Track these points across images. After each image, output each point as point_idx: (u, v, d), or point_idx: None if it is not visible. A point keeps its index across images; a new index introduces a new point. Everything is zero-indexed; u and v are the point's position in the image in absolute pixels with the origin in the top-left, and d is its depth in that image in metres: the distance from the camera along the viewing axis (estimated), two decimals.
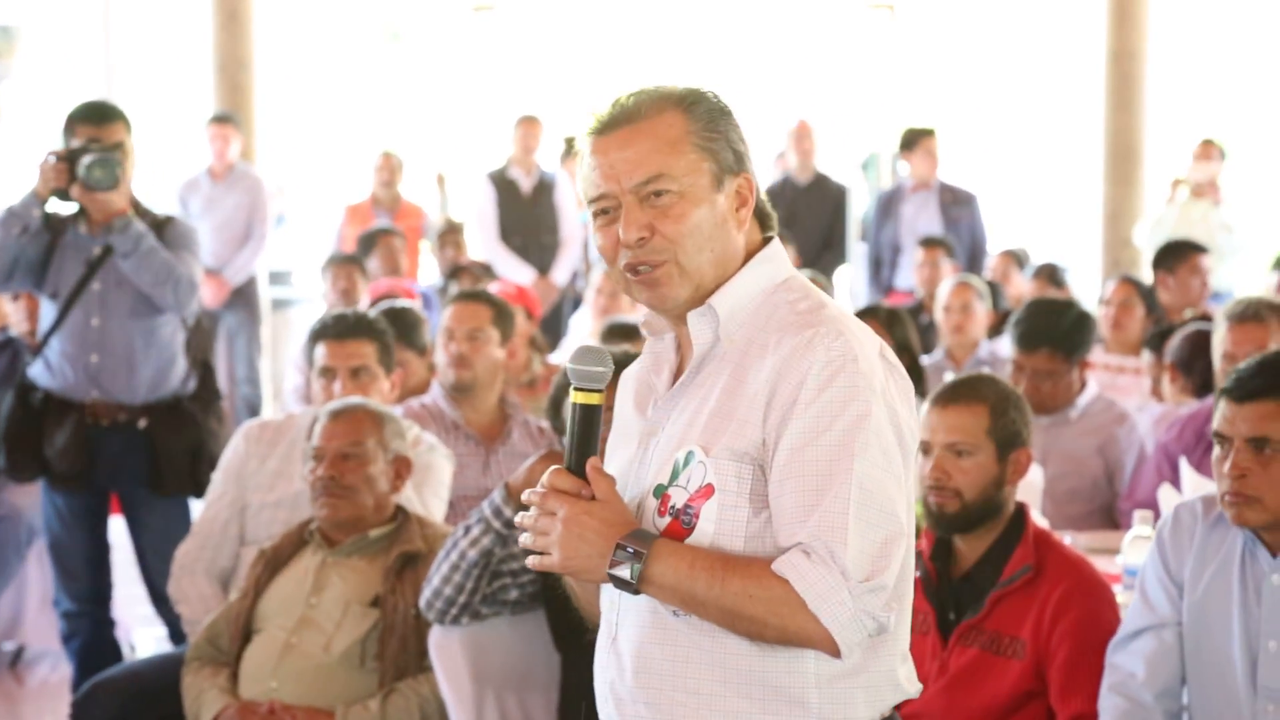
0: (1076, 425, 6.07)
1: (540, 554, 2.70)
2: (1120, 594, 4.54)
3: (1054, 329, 6.04)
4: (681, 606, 2.65)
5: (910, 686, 2.77)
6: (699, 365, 2.75)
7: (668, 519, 2.69)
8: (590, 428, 2.71)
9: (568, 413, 2.79)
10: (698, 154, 2.72)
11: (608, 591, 2.79)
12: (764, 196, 2.82)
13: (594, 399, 2.72)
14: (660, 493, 2.71)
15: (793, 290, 2.75)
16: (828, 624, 2.57)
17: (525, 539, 2.71)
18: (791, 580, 2.58)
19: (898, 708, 2.78)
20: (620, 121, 2.73)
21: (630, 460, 2.80)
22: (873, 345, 2.70)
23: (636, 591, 2.65)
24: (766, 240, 2.82)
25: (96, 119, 6.05)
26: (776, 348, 2.67)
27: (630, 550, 2.63)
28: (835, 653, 2.61)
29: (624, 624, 2.77)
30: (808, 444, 2.61)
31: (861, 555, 2.58)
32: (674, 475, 2.70)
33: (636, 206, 2.71)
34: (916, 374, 6.96)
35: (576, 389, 2.72)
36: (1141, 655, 3.95)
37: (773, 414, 2.64)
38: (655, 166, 2.70)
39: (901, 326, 6.96)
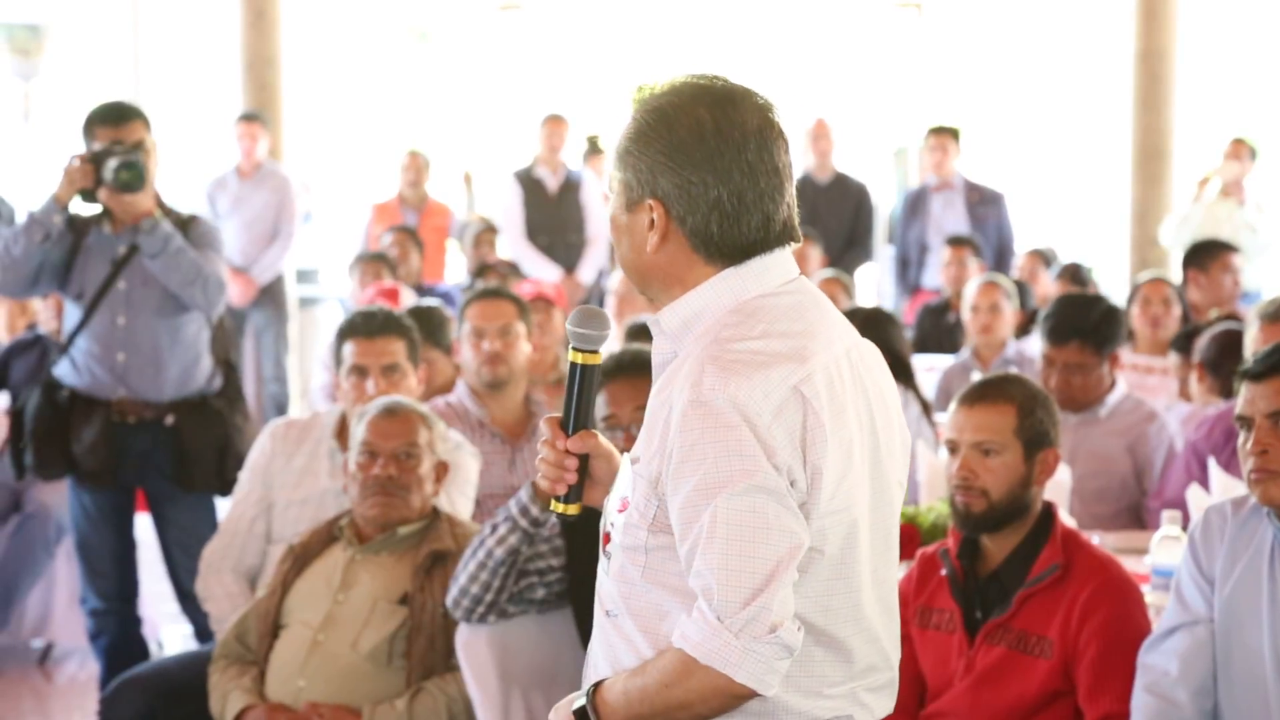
0: (1105, 424, 6.06)
1: (560, 498, 2.87)
2: (1149, 594, 4.53)
3: (1084, 322, 6.06)
4: None
5: (860, 711, 2.76)
6: (659, 372, 2.78)
7: (615, 518, 2.78)
8: (586, 387, 2.83)
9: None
10: (619, 168, 2.77)
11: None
12: (699, 229, 2.72)
13: (592, 359, 2.83)
14: (620, 496, 2.78)
15: (739, 314, 2.70)
16: (723, 670, 2.57)
17: (541, 482, 2.87)
18: (685, 649, 2.60)
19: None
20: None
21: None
22: (780, 381, 2.62)
23: None
24: (739, 263, 2.73)
25: (115, 120, 6.05)
26: (679, 375, 2.66)
27: (581, 711, 2.72)
28: (748, 694, 2.60)
29: (598, 622, 2.84)
30: (675, 489, 2.62)
31: (729, 594, 2.57)
32: (622, 487, 2.78)
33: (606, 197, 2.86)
34: (905, 374, 6.95)
35: (575, 349, 2.83)
36: (1175, 653, 3.94)
37: (661, 449, 2.65)
38: (611, 165, 2.81)
39: (882, 327, 6.96)
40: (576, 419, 2.84)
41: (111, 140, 5.98)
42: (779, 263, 2.76)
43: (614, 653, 2.76)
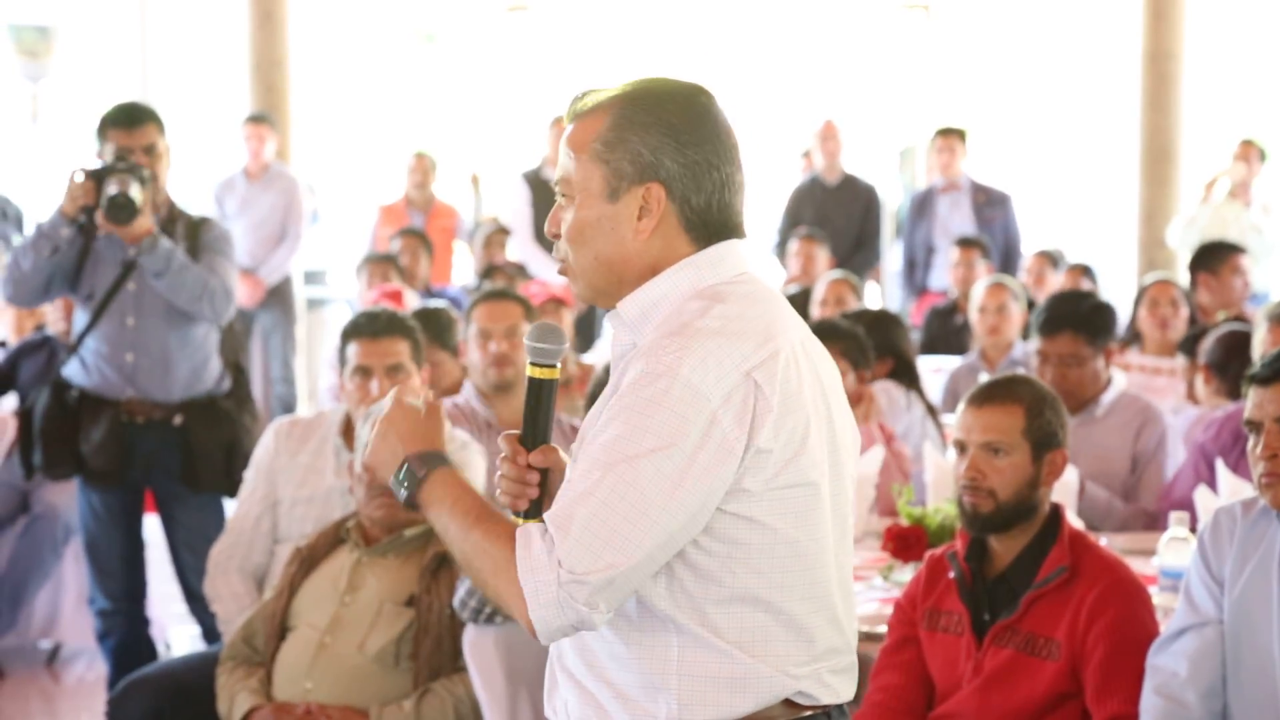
0: (1104, 422, 6.04)
1: (521, 514, 2.85)
2: (1156, 595, 4.52)
3: (1075, 312, 6.07)
4: (442, 540, 2.78)
5: (825, 692, 2.78)
6: (616, 365, 2.81)
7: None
8: (543, 402, 2.84)
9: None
10: (592, 163, 2.77)
11: None
12: (701, 207, 2.78)
13: (549, 374, 2.85)
14: None
15: (703, 298, 2.74)
16: (527, 597, 2.65)
17: (501, 498, 2.85)
18: (517, 546, 2.67)
19: (825, 711, 2.79)
20: (569, 117, 2.83)
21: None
22: (734, 364, 2.66)
23: (413, 507, 2.80)
24: (705, 248, 2.79)
25: (127, 123, 6.04)
26: (636, 357, 2.71)
27: (411, 469, 2.81)
28: (530, 626, 2.68)
29: None
30: (594, 436, 2.68)
31: (579, 550, 2.62)
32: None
33: (557, 204, 2.84)
34: (910, 376, 6.95)
35: (532, 364, 2.85)
36: (1184, 654, 3.94)
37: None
38: (562, 170, 2.81)
39: (887, 329, 6.96)
40: (536, 434, 2.84)
41: (119, 151, 5.97)
42: (735, 252, 2.82)
43: (583, 639, 2.79)
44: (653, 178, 2.76)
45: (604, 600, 2.64)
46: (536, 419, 2.84)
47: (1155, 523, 5.84)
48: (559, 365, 2.85)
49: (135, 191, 5.83)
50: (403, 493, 2.81)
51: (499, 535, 2.71)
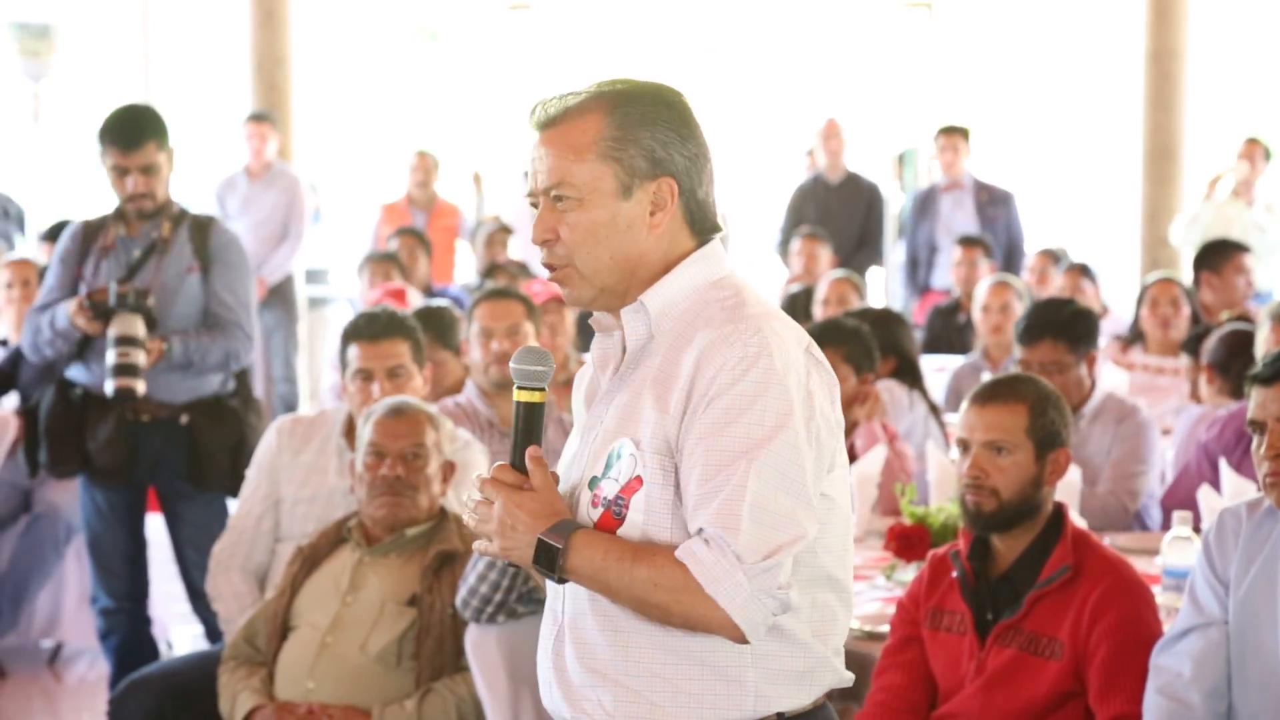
0: (1090, 428, 6.00)
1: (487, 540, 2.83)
2: (1160, 595, 4.51)
3: (1055, 319, 6.01)
4: (602, 595, 2.76)
5: (844, 678, 2.87)
6: (634, 361, 2.84)
7: (600, 510, 2.79)
8: (532, 425, 2.84)
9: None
10: (601, 162, 2.79)
11: (551, 584, 2.87)
12: (702, 200, 2.85)
13: (536, 397, 2.85)
14: (594, 485, 2.81)
15: (724, 289, 2.82)
16: (725, 606, 2.66)
17: (468, 520, 2.85)
18: (690, 566, 2.67)
19: (829, 696, 2.87)
20: (544, 124, 2.84)
21: (574, 454, 2.90)
22: (795, 342, 2.78)
23: (559, 581, 2.77)
24: (705, 243, 2.87)
25: (125, 145, 5.99)
26: (698, 343, 2.74)
27: (549, 542, 2.75)
28: (736, 636, 2.69)
29: (568, 611, 2.85)
30: (714, 434, 2.69)
31: (755, 540, 2.66)
32: (607, 467, 2.79)
33: (547, 209, 2.83)
34: (913, 376, 6.93)
35: (519, 388, 2.84)
36: (1188, 654, 3.93)
37: (689, 406, 2.73)
38: (559, 173, 2.80)
39: (891, 328, 6.95)
40: (523, 460, 2.82)
41: (119, 165, 5.96)
42: (723, 247, 2.92)
43: (631, 639, 2.78)
44: (665, 172, 2.81)
45: (790, 579, 2.69)
46: (528, 441, 2.83)
47: (1126, 513, 5.84)
48: (546, 388, 2.85)
49: (139, 357, 5.88)
50: (552, 576, 2.76)
51: (663, 562, 2.70)
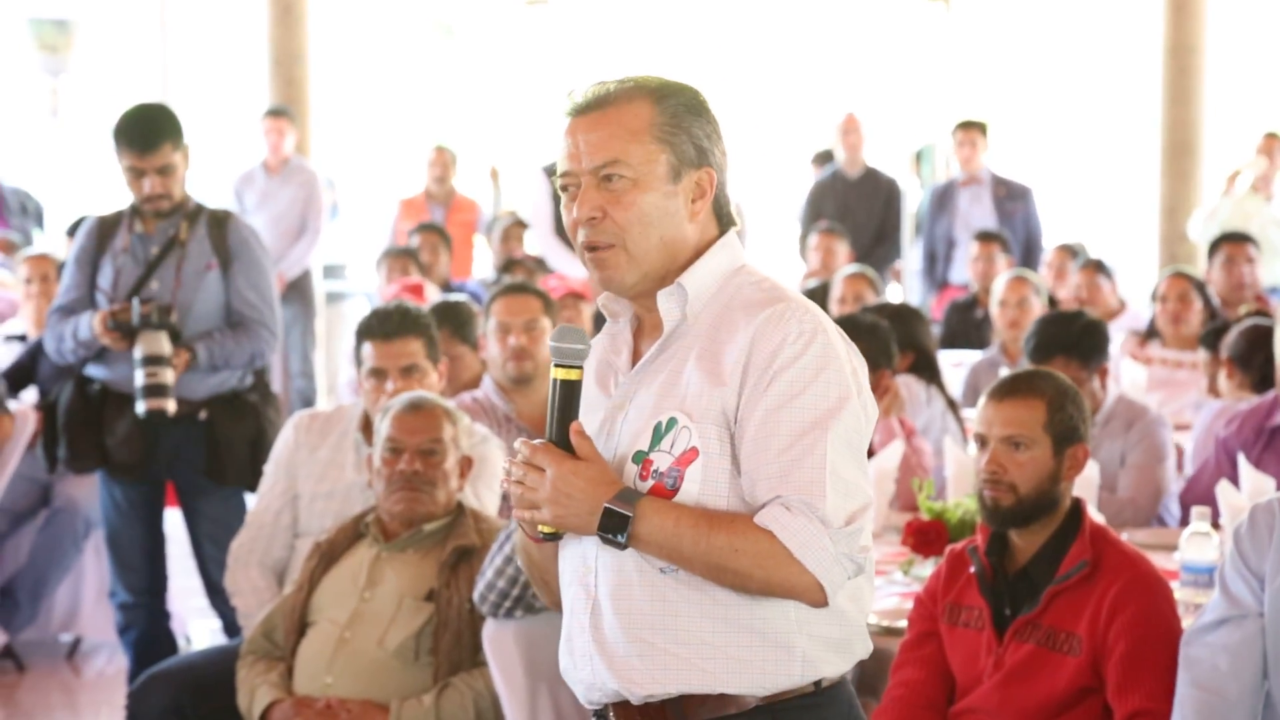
0: (1103, 433, 5.98)
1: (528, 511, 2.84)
2: (1178, 590, 4.51)
3: (1065, 337, 5.93)
4: (668, 561, 2.79)
5: (869, 649, 2.95)
6: (666, 342, 2.89)
7: (651, 482, 2.83)
8: (571, 402, 2.87)
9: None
10: (657, 145, 2.86)
11: (579, 556, 2.91)
12: (727, 194, 2.96)
13: (574, 375, 2.87)
14: (641, 458, 2.85)
15: (752, 274, 2.92)
16: (813, 569, 2.74)
17: (512, 493, 2.85)
18: (775, 532, 2.74)
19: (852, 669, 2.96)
20: (592, 106, 2.88)
21: (595, 433, 2.92)
22: (828, 321, 2.88)
23: (623, 548, 2.79)
24: (724, 233, 2.96)
25: (139, 147, 6.00)
26: (749, 321, 2.82)
27: (618, 509, 2.77)
28: (819, 599, 2.78)
29: (605, 584, 2.87)
30: (783, 406, 2.78)
31: (838, 507, 2.76)
32: (655, 440, 2.84)
33: (593, 187, 2.86)
34: (930, 371, 6.92)
35: (557, 365, 2.87)
36: (1224, 647, 3.89)
37: (749, 380, 2.80)
38: (614, 152, 2.85)
39: (909, 323, 6.93)
40: (563, 435, 2.85)
41: (135, 166, 5.97)
42: None
43: (678, 608, 2.82)
44: (707, 163, 2.90)
45: (865, 540, 2.80)
46: (567, 418, 2.85)
47: (1143, 514, 5.83)
48: (583, 366, 2.87)
49: (168, 376, 5.94)
50: (619, 539, 2.79)
51: (744, 529, 2.76)
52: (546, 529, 2.86)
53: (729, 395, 2.80)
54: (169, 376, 5.92)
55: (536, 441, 2.85)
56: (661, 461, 2.82)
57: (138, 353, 5.91)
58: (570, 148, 2.88)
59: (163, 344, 5.91)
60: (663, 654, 2.82)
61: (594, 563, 2.88)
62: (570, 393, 2.86)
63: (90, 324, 6.00)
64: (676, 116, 2.86)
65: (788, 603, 2.81)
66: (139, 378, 5.91)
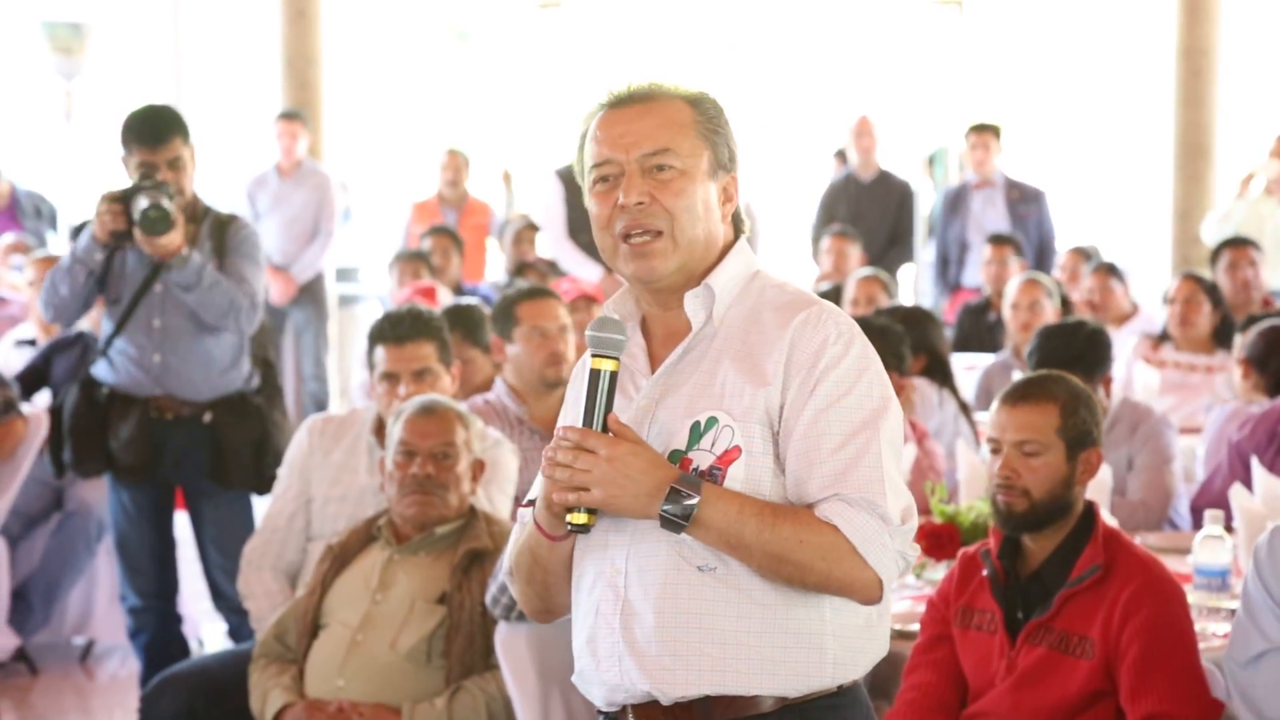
0: (1109, 438, 5.95)
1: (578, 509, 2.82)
2: (1191, 594, 4.50)
3: (1069, 350, 5.89)
4: (725, 549, 2.79)
5: (885, 651, 2.98)
6: (692, 343, 2.91)
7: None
8: (610, 391, 2.86)
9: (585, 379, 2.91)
10: (701, 140, 2.89)
11: (604, 559, 2.88)
12: (738, 202, 3.00)
13: (612, 365, 2.86)
14: (679, 458, 2.84)
15: (769, 278, 2.96)
16: (875, 564, 2.78)
17: (555, 476, 2.81)
18: (840, 526, 2.77)
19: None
20: (636, 99, 2.90)
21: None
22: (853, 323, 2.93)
23: (680, 530, 2.78)
24: (737, 237, 3.00)
25: (150, 141, 6.00)
26: (782, 323, 2.85)
27: (685, 490, 2.77)
28: (876, 595, 2.81)
29: (637, 584, 2.86)
30: (831, 406, 2.81)
31: (894, 504, 2.80)
32: (694, 440, 2.84)
33: (639, 175, 2.87)
34: (943, 374, 6.91)
35: (595, 355, 2.87)
36: (1275, 683, 3.87)
37: (794, 381, 2.82)
38: (664, 140, 2.87)
39: (922, 326, 6.92)
40: (599, 424, 2.85)
41: (146, 161, 5.97)
42: None
43: (714, 608, 2.82)
44: (734, 169, 2.95)
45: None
46: (597, 408, 2.85)
47: (1154, 516, 5.81)
48: (620, 357, 2.88)
49: (167, 204, 5.85)
50: (679, 522, 2.78)
51: (808, 522, 2.78)
52: (577, 520, 2.83)
53: (773, 395, 2.82)
54: (170, 206, 5.86)
55: (579, 427, 2.83)
56: (702, 460, 2.82)
57: (142, 202, 5.85)
58: (611, 138, 2.88)
59: (164, 200, 5.86)
60: (697, 654, 2.82)
61: (624, 564, 2.86)
62: (609, 383, 2.86)
63: (90, 230, 5.97)
64: (713, 119, 2.91)
65: (823, 605, 2.83)
66: (143, 202, 5.86)
